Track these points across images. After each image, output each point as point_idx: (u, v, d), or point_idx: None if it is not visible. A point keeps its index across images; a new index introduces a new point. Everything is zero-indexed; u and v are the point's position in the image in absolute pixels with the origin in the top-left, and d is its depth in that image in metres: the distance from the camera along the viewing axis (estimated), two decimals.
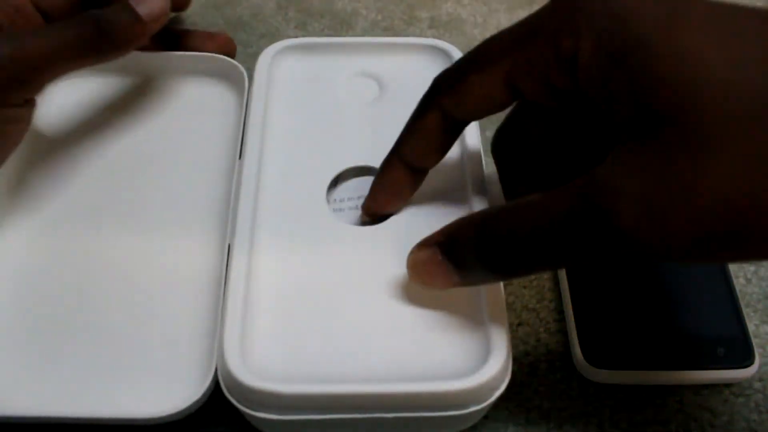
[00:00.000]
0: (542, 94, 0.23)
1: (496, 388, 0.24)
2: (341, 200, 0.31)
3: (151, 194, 0.33)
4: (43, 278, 0.30)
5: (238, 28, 0.44)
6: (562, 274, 0.32)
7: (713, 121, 0.18)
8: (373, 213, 0.29)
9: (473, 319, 0.26)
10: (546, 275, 0.33)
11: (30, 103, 0.28)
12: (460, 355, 0.25)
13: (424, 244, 0.25)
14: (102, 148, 0.34)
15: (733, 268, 0.33)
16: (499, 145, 0.27)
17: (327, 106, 0.33)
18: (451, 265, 0.23)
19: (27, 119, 0.28)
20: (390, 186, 0.28)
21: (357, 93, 0.34)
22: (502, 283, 0.26)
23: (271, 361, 0.25)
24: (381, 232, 0.29)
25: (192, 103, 0.36)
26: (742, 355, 0.30)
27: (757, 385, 0.30)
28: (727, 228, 0.18)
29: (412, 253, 0.25)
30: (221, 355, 0.25)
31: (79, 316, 0.29)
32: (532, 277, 0.33)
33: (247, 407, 0.24)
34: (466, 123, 0.26)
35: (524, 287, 0.33)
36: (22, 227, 0.31)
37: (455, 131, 0.26)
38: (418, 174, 0.28)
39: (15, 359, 0.28)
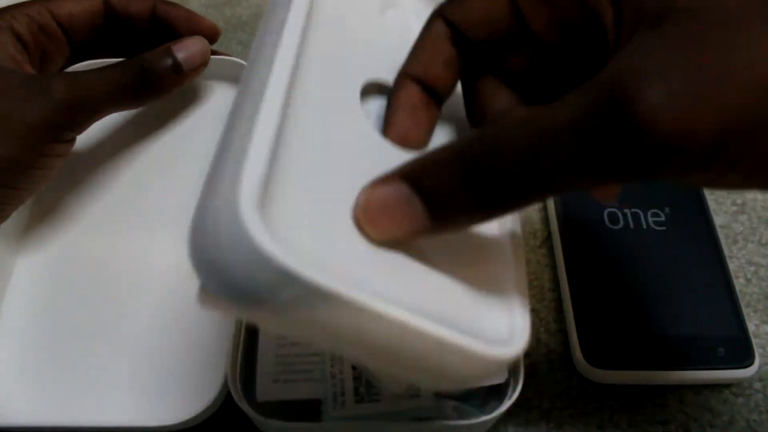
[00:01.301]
0: (545, 20, 0.21)
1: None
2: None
3: (157, 198, 0.33)
4: (54, 287, 0.30)
5: (238, 28, 0.44)
6: (563, 274, 0.32)
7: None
8: (398, 137, 0.24)
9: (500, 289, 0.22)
10: (546, 275, 0.33)
11: (74, 139, 0.30)
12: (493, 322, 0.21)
13: (382, 180, 0.19)
14: (108, 151, 0.34)
15: (733, 267, 0.33)
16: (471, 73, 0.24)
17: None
18: (423, 202, 0.19)
19: (68, 152, 0.30)
20: (403, 108, 0.24)
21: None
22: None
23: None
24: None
25: (198, 105, 0.36)
26: (742, 355, 0.29)
27: (757, 385, 0.30)
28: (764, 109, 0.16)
29: (365, 192, 0.19)
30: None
31: (89, 326, 0.29)
32: (532, 277, 0.33)
33: (258, 413, 0.24)
34: (475, 43, 0.23)
35: None
36: (32, 236, 0.32)
37: (465, 48, 0.23)
38: (432, 98, 0.24)
39: (28, 368, 0.28)
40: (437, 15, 0.23)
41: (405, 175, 0.19)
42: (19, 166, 0.27)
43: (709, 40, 0.16)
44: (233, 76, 0.36)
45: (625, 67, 0.16)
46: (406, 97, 0.24)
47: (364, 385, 0.26)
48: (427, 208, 0.19)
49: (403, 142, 0.23)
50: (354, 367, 0.26)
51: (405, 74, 0.24)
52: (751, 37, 0.16)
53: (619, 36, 0.19)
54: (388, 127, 0.24)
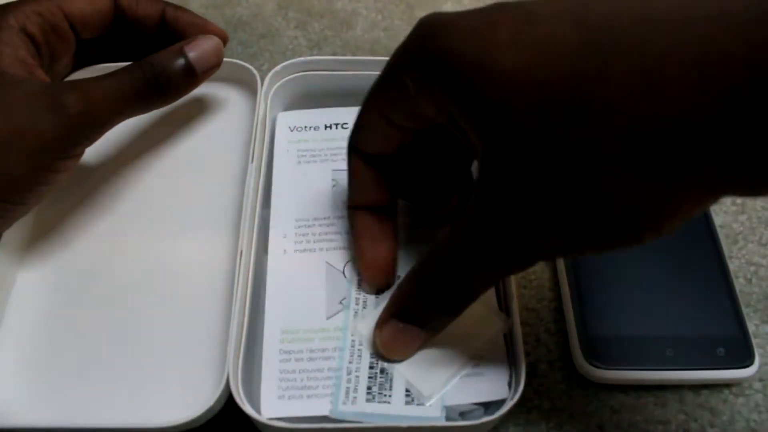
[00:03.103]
0: (410, 123, 0.25)
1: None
2: None
3: (163, 200, 0.32)
4: (55, 289, 0.30)
5: (238, 28, 0.44)
6: (563, 274, 0.32)
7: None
8: (369, 267, 0.29)
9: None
10: (546, 275, 0.33)
11: (82, 152, 0.29)
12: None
13: (383, 322, 0.26)
14: (113, 153, 0.34)
15: (733, 268, 0.33)
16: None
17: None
18: (414, 327, 0.25)
19: (75, 166, 0.29)
20: (362, 237, 0.28)
21: None
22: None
23: None
24: None
25: (204, 107, 0.36)
26: (742, 355, 0.29)
27: (757, 385, 0.30)
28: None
29: (377, 335, 0.26)
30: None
31: (91, 328, 0.29)
32: (532, 277, 0.33)
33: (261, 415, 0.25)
34: (394, 156, 0.27)
35: (524, 287, 0.33)
36: (36, 241, 0.32)
37: (388, 165, 0.28)
38: (383, 213, 0.29)
39: (29, 370, 0.28)
40: (350, 149, 0.27)
41: (391, 314, 0.26)
42: (24, 183, 0.26)
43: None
44: (242, 79, 0.36)
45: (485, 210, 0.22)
46: (360, 227, 0.28)
47: (377, 385, 0.26)
48: (417, 327, 0.25)
49: (374, 265, 0.28)
50: (371, 366, 0.26)
51: (352, 207, 0.29)
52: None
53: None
54: (360, 260, 0.29)
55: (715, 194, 0.19)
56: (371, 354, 0.27)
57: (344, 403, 0.26)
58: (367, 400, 0.26)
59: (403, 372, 0.26)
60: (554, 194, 0.20)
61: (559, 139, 0.19)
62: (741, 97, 0.16)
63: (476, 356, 0.26)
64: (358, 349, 0.27)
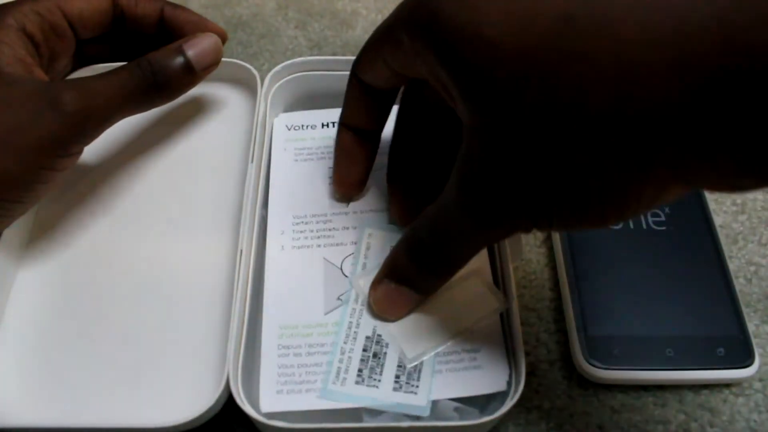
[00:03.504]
0: (404, 72, 0.25)
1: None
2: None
3: (163, 199, 0.32)
4: (55, 289, 0.30)
5: (238, 28, 0.44)
6: (563, 274, 0.32)
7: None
8: (339, 182, 0.31)
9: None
10: (546, 275, 0.33)
11: (81, 151, 0.29)
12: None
13: (377, 282, 0.28)
14: (113, 153, 0.34)
15: (733, 268, 0.33)
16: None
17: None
18: (405, 287, 0.27)
19: (74, 164, 0.29)
20: (340, 152, 0.30)
21: None
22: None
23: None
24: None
25: (204, 107, 0.36)
26: (742, 355, 0.30)
27: (757, 385, 0.30)
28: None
29: (371, 294, 0.28)
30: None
31: (91, 328, 0.29)
32: (532, 277, 0.33)
33: (261, 415, 0.25)
34: (389, 91, 0.28)
35: (524, 287, 0.33)
36: (36, 239, 0.32)
37: (381, 98, 0.29)
38: (363, 138, 0.30)
39: (29, 370, 0.28)
40: (352, 73, 0.28)
41: (385, 274, 0.27)
42: (23, 182, 0.26)
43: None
44: (242, 79, 0.36)
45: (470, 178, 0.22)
46: (342, 142, 0.30)
47: (368, 368, 0.26)
48: (408, 288, 0.27)
49: (343, 182, 0.31)
50: (365, 349, 0.27)
51: (341, 124, 0.30)
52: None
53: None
54: (334, 173, 0.31)
55: (683, 182, 0.19)
56: (366, 337, 0.27)
57: (334, 383, 0.26)
58: (356, 383, 0.26)
59: (393, 333, 0.27)
60: (526, 165, 0.20)
61: (533, 111, 0.19)
62: (713, 85, 0.16)
63: (468, 331, 0.27)
64: (354, 332, 0.27)
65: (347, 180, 0.31)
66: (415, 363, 0.26)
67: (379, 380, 0.26)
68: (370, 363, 0.26)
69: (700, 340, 0.30)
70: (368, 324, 0.27)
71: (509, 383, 0.26)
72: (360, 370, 0.26)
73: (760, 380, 0.30)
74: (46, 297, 0.30)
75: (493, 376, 0.26)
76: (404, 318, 0.27)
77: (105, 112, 0.28)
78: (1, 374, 0.28)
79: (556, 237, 0.34)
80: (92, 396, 0.27)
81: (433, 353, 0.27)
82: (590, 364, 0.29)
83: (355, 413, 0.26)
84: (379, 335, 0.27)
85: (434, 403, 0.26)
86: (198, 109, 0.36)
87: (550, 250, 0.34)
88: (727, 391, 0.30)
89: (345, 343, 0.27)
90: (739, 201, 0.36)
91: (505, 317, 0.28)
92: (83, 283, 0.30)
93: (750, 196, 0.36)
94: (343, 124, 0.30)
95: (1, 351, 0.28)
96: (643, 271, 0.32)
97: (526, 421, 0.29)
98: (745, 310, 0.31)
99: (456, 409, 0.26)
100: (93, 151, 0.34)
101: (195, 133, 0.35)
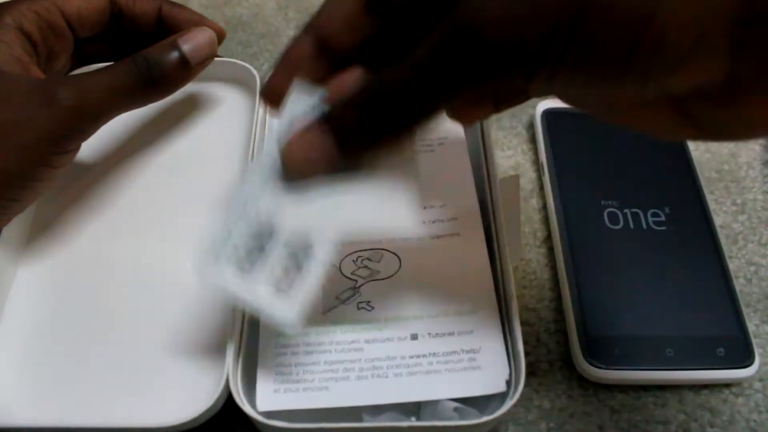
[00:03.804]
0: None
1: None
2: None
3: (163, 199, 0.32)
4: (55, 289, 0.30)
5: (238, 28, 0.44)
6: (563, 274, 0.32)
7: None
8: (268, 91, 0.24)
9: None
10: (546, 275, 0.33)
11: (78, 148, 0.28)
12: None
13: (302, 129, 0.22)
14: (114, 152, 0.34)
15: (733, 268, 0.33)
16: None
17: None
18: (330, 136, 0.21)
19: (71, 161, 0.28)
20: (285, 64, 0.24)
21: None
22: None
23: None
24: None
25: (204, 107, 0.36)
26: (742, 355, 0.30)
27: (757, 385, 0.30)
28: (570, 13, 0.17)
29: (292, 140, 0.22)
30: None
31: (90, 328, 0.29)
32: (532, 277, 0.33)
33: (260, 415, 0.24)
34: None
35: (524, 287, 0.33)
36: (35, 239, 0.31)
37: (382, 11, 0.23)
38: (325, 55, 0.23)
39: (29, 370, 0.28)
40: None
41: (318, 120, 0.21)
42: (20, 179, 0.26)
43: None
44: (242, 79, 0.36)
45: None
46: (293, 51, 0.23)
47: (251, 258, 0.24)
48: (334, 139, 0.21)
49: (275, 92, 0.24)
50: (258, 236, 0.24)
51: (305, 27, 0.23)
52: None
53: None
54: (270, 79, 0.24)
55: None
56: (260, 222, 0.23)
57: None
58: (240, 269, 0.23)
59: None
60: None
61: None
62: None
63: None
64: (253, 212, 0.24)
65: (277, 87, 0.24)
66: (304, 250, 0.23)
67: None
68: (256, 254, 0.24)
69: (700, 340, 0.30)
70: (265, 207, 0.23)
71: (509, 383, 0.26)
72: (246, 258, 0.24)
73: (760, 380, 0.30)
74: (45, 296, 0.30)
75: (492, 377, 0.26)
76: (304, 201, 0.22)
77: (101, 108, 0.28)
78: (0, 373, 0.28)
79: (556, 237, 0.34)
80: (91, 396, 0.27)
81: (326, 249, 0.23)
82: (590, 364, 0.29)
83: (355, 413, 0.26)
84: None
85: (434, 403, 0.26)
86: (198, 109, 0.36)
87: (550, 250, 0.34)
88: (727, 391, 0.30)
89: (239, 220, 0.24)
90: (739, 201, 0.36)
91: (505, 317, 0.28)
92: (82, 282, 0.30)
93: (750, 195, 0.36)
94: (308, 29, 0.23)
95: (1, 351, 0.28)
96: (643, 271, 0.32)
97: (526, 421, 0.29)
98: (745, 310, 0.31)
99: (456, 409, 0.26)
100: (93, 150, 0.34)
101: (195, 133, 0.35)
